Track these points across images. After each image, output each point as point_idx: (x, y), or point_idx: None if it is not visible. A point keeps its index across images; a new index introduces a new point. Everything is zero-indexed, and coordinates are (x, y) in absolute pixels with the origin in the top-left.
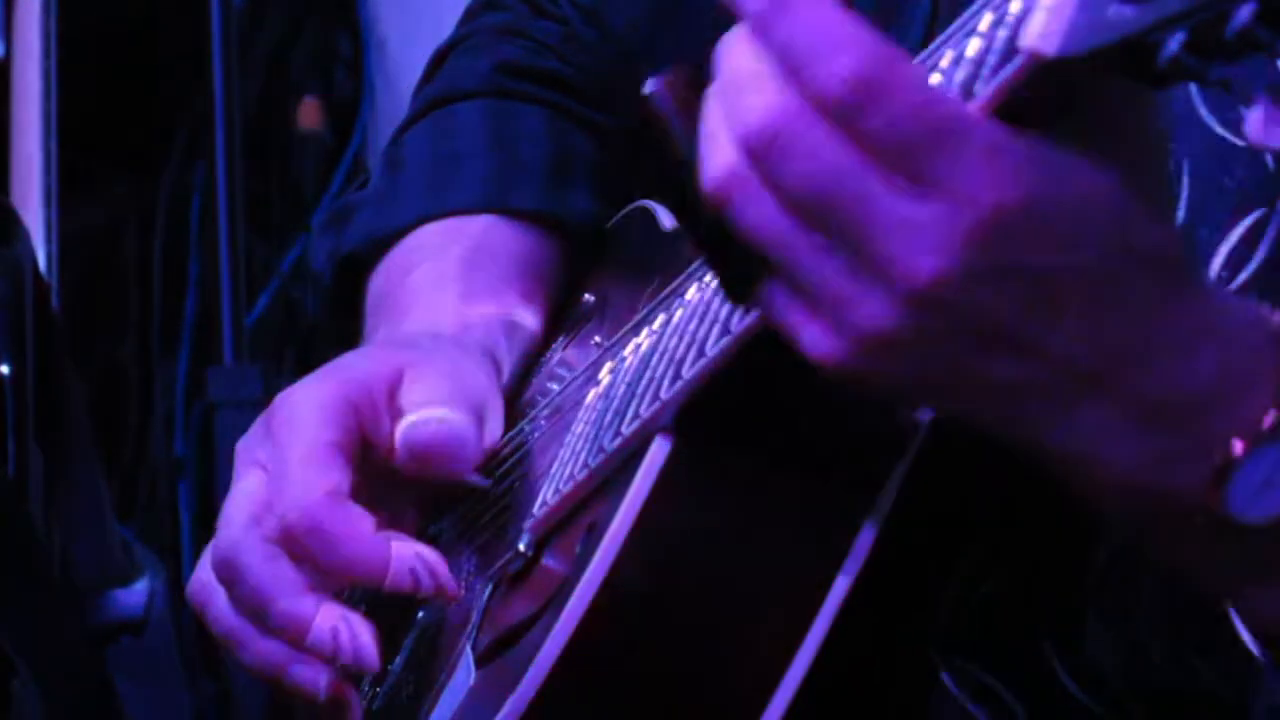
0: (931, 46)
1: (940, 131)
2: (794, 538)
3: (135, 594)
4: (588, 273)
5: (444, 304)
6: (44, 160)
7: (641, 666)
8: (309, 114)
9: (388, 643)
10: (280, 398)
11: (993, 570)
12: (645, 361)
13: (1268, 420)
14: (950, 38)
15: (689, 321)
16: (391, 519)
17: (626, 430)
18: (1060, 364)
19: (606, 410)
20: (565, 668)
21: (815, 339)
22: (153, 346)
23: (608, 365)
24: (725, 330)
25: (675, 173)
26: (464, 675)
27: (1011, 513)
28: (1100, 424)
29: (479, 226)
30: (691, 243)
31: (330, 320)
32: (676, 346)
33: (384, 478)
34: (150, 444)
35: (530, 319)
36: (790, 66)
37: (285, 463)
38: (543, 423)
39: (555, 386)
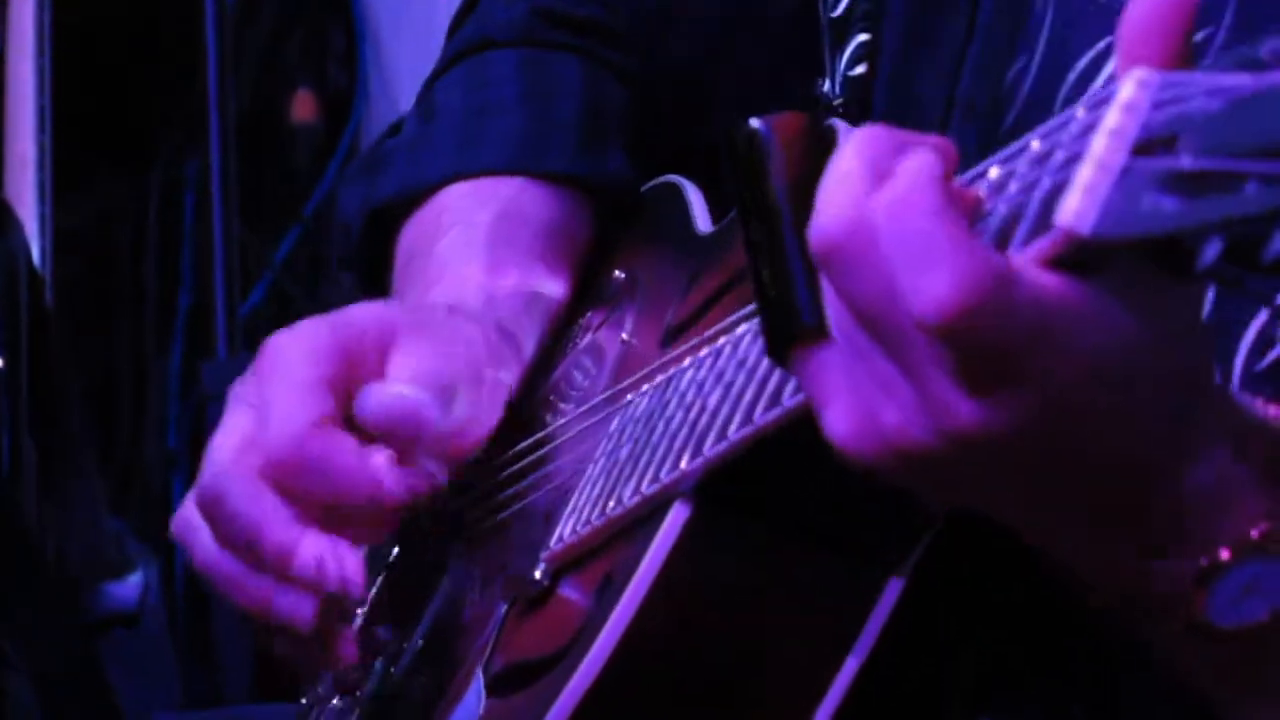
0: (968, 175)
1: (1019, 342)
2: (809, 612)
3: (128, 587)
4: (618, 240)
5: (469, 276)
6: (38, 155)
7: None
8: (303, 106)
9: (404, 619)
10: (271, 339)
11: (1021, 635)
12: (667, 414)
13: (1256, 531)
14: (979, 175)
15: (712, 390)
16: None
17: (646, 490)
18: (1070, 489)
19: (627, 455)
20: None
21: (840, 422)
22: (146, 340)
23: (631, 394)
24: (748, 419)
25: (761, 215)
26: (474, 700)
27: (1038, 582)
28: (1093, 532)
29: (510, 191)
30: (753, 284)
31: (357, 270)
32: (699, 416)
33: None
34: (144, 437)
35: (558, 287)
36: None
37: (270, 397)
38: (566, 424)
39: (580, 376)
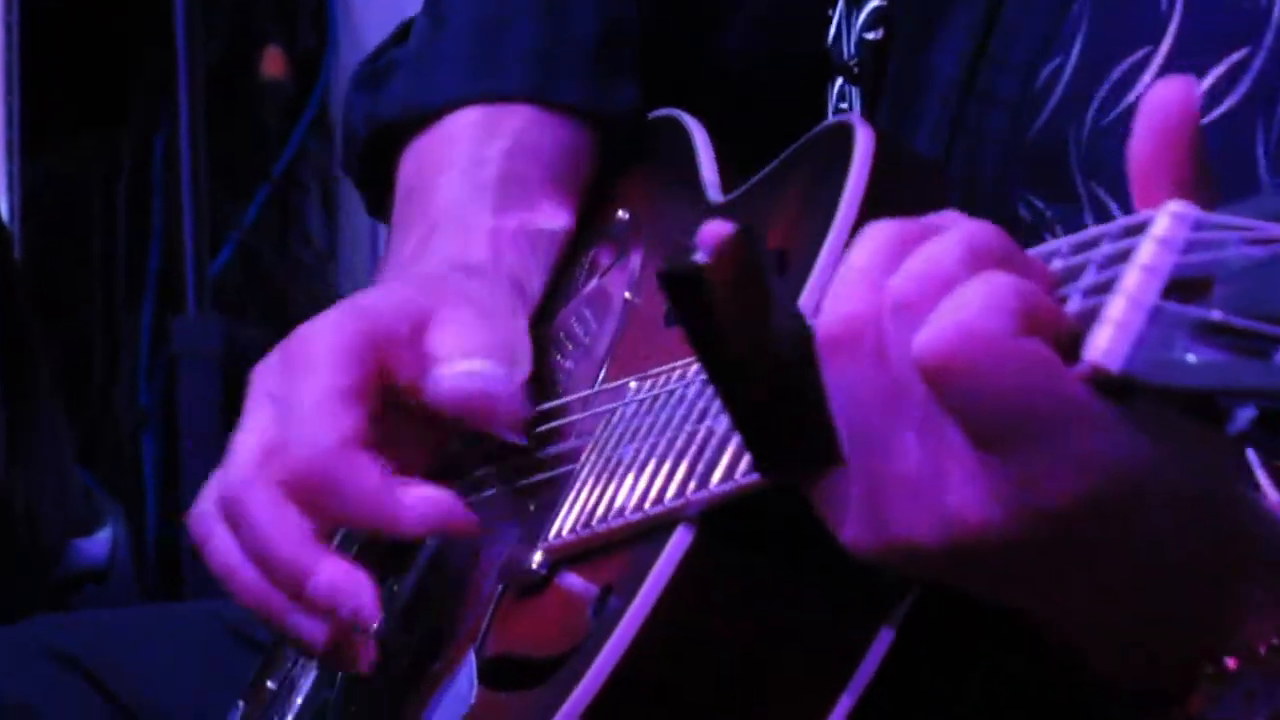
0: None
1: (1032, 423)
2: (804, 649)
3: (98, 543)
4: (620, 174)
5: (476, 224)
6: (7, 112)
7: None
8: (272, 63)
9: (394, 561)
10: (301, 329)
11: (1020, 683)
12: (671, 428)
13: (1264, 647)
14: None
15: (721, 416)
16: (409, 459)
17: (649, 509)
18: (1082, 596)
19: (629, 460)
20: None
21: (853, 533)
22: (117, 296)
23: (634, 383)
24: (754, 467)
25: (722, 344)
26: (466, 686)
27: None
28: (1102, 631)
29: (519, 123)
30: (731, 416)
31: (358, 181)
32: (706, 442)
33: (404, 418)
34: (114, 394)
35: (563, 220)
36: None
37: (297, 405)
38: (567, 404)
39: (580, 330)
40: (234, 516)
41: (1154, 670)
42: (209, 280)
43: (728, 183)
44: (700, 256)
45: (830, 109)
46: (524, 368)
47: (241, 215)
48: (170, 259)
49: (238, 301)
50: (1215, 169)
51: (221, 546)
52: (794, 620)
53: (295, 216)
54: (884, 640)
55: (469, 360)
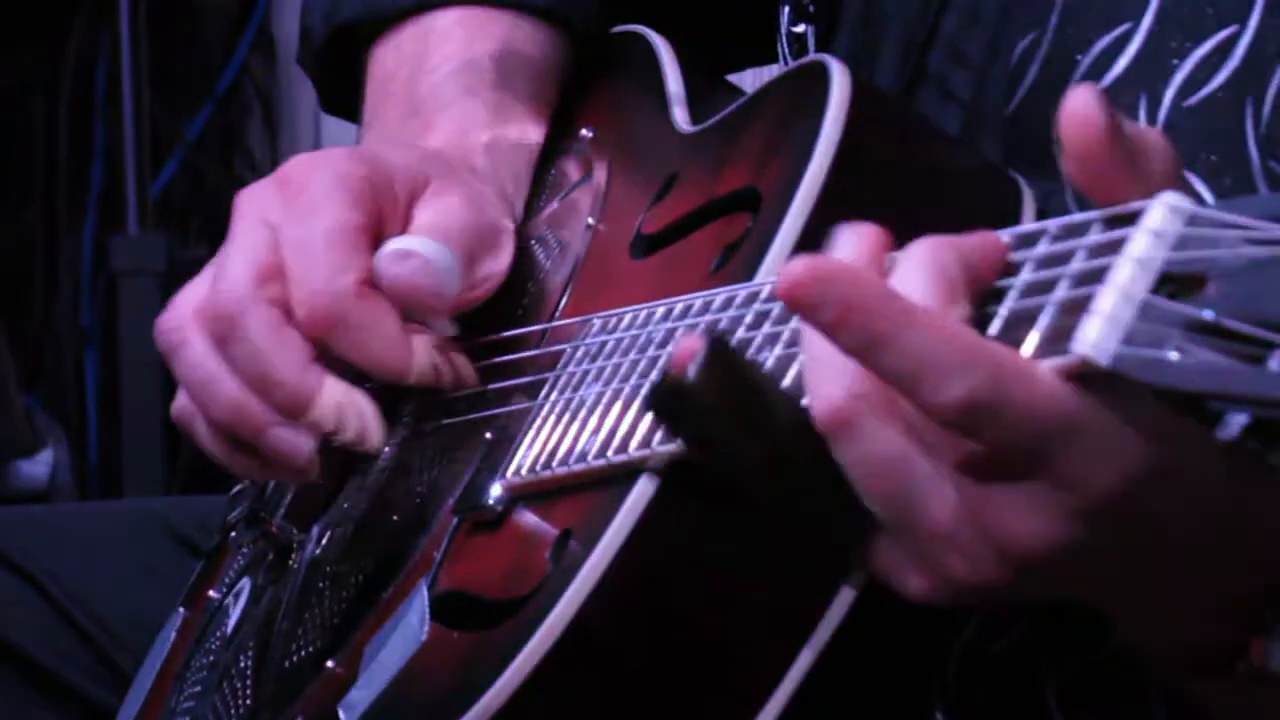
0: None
1: (1049, 433)
2: (764, 601)
3: (39, 464)
4: (581, 87)
5: (474, 132)
6: None
7: (600, 707)
8: None
9: (347, 473)
10: (299, 161)
11: (1000, 630)
12: (637, 373)
13: None
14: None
15: None
16: None
17: (612, 457)
18: (1136, 580)
19: (592, 402)
20: (519, 701)
21: (919, 588)
22: (59, 215)
23: (598, 321)
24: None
25: (729, 455)
26: (417, 621)
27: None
28: (1162, 607)
29: (502, 28)
30: (759, 511)
31: (316, 80)
32: None
33: None
34: (56, 313)
35: (542, 135)
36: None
37: (308, 237)
38: (528, 334)
39: (543, 255)
40: (226, 334)
41: (1222, 632)
42: (151, 198)
43: (694, 100)
44: (689, 374)
45: (783, 31)
46: (495, 259)
47: (184, 133)
48: (112, 177)
49: (180, 220)
50: (1202, 151)
51: (199, 356)
52: (755, 575)
53: (238, 135)
54: (845, 598)
55: (429, 240)
